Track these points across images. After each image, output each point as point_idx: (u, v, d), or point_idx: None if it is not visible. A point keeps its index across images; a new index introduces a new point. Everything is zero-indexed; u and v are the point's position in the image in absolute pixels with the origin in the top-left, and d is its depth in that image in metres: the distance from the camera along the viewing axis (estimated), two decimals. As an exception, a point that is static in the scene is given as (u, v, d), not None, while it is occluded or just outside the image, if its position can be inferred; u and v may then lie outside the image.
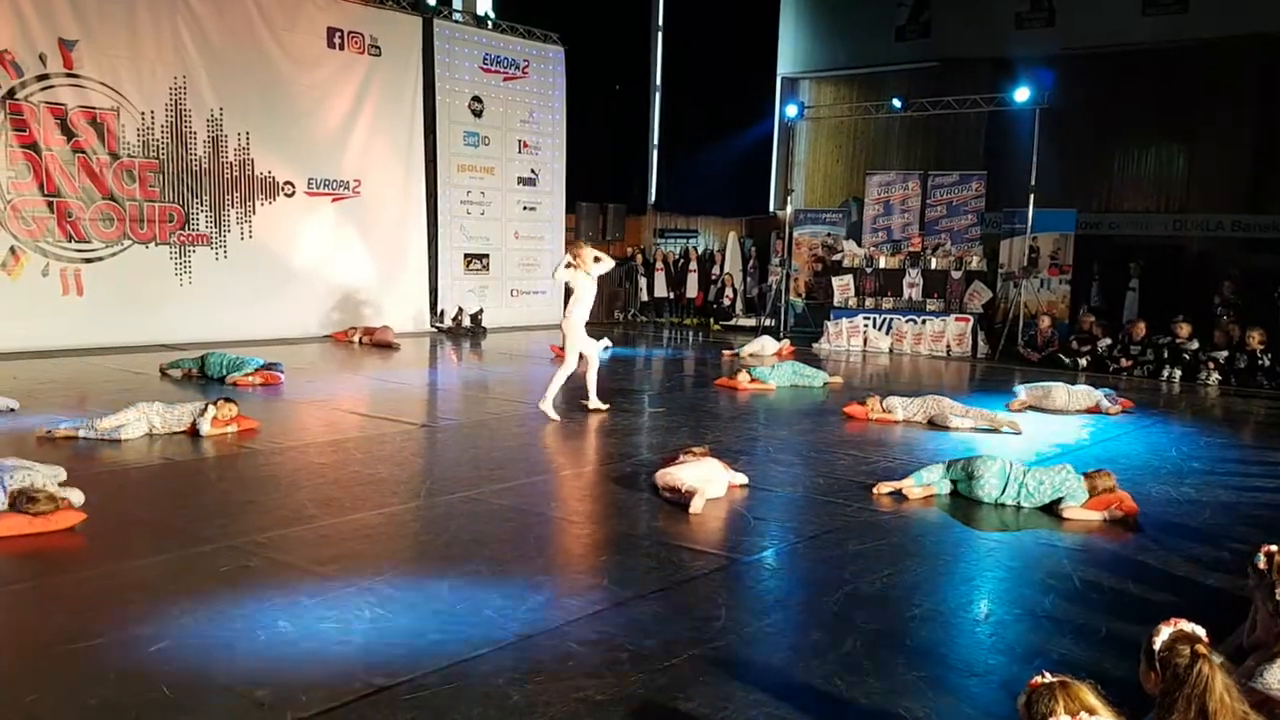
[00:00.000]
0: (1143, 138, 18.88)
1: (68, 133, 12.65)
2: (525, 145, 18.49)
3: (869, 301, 16.36)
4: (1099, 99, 18.53)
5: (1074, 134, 18.08)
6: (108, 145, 13.02)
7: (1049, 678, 2.45)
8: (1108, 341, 13.86)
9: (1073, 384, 10.74)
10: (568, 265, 9.27)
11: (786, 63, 23.35)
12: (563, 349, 9.41)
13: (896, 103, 17.11)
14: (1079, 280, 16.93)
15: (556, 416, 8.97)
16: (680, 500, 6.12)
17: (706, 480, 6.28)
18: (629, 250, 20.80)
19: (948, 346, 15.49)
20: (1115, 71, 18.56)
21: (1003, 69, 18.57)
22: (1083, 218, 17.17)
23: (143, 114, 13.34)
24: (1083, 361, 13.61)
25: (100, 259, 13.12)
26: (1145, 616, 4.01)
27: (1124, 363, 13.40)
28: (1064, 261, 16.27)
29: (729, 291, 20.09)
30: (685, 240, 22.43)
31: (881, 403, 9.51)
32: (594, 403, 9.45)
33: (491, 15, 18.01)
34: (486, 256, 18.08)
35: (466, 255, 17.75)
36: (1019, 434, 8.94)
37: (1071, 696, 2.39)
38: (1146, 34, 18.20)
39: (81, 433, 7.53)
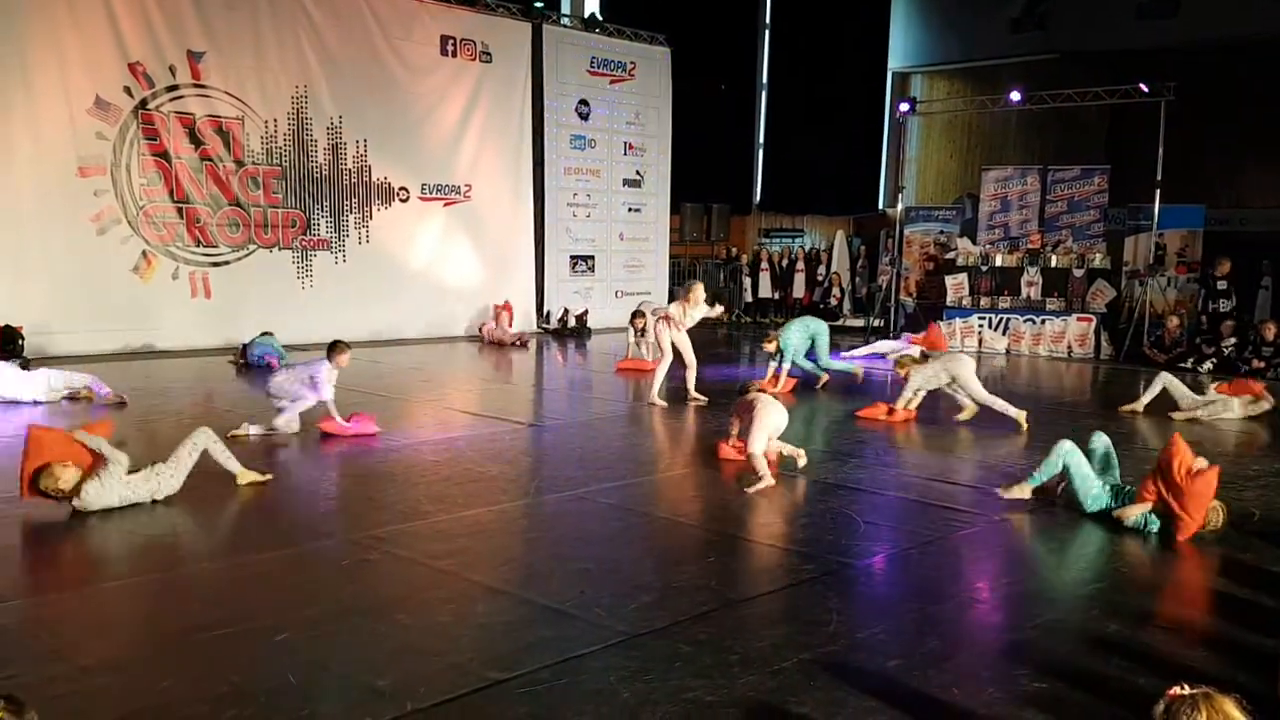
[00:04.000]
0: (1274, 130, 17.95)
1: (196, 141, 13.22)
2: (631, 147, 18.57)
3: (984, 301, 15.92)
4: (1227, 91, 17.71)
5: (1201, 127, 17.31)
6: (233, 153, 13.55)
7: (1189, 689, 2.33)
8: (1233, 341, 13.21)
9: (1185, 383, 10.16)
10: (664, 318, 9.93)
11: (897, 57, 22.97)
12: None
13: (1015, 95, 16.63)
14: (1240, 281, 16.02)
15: (664, 403, 9.72)
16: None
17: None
18: (732, 250, 20.72)
19: (1069, 347, 14.97)
20: (1244, 62, 17.72)
21: (1124, 60, 17.90)
22: (1211, 213, 16.39)
23: (266, 122, 13.85)
24: (1206, 365, 12.99)
25: (226, 263, 13.67)
26: (1284, 631, 3.83)
27: (1255, 364, 12.76)
28: (1192, 259, 15.57)
29: (836, 291, 19.82)
30: (790, 240, 22.23)
31: None
32: (694, 395, 9.95)
33: (599, 17, 18.12)
34: (592, 258, 18.22)
35: (572, 257, 17.93)
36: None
37: (1215, 709, 2.26)
38: (1277, 23, 17.33)
39: (253, 432, 7.71)
